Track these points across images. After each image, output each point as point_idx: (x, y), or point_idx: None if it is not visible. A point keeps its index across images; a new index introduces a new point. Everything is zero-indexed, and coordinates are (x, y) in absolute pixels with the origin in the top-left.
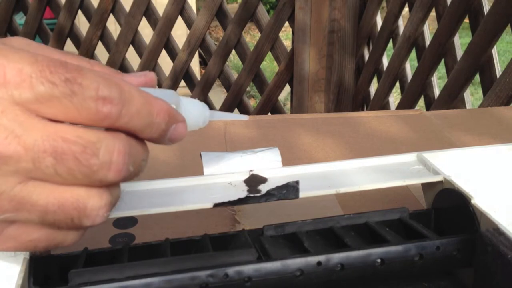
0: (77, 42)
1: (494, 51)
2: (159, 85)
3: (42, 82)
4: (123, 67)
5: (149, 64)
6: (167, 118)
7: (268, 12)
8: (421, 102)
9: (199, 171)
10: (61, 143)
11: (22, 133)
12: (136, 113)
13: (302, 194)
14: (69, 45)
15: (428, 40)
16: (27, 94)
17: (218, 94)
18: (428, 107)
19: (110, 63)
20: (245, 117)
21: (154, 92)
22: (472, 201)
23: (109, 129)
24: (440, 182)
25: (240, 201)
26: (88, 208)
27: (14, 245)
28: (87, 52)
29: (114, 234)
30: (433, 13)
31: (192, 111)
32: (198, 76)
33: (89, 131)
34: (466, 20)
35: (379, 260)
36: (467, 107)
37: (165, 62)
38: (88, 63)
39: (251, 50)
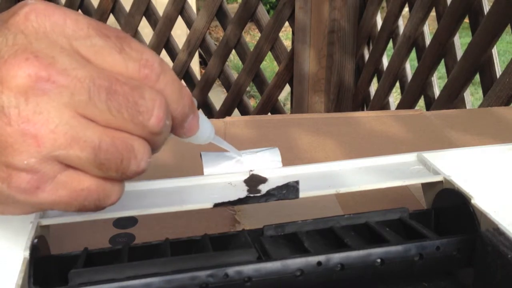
0: None
1: (494, 51)
2: None
3: (98, 33)
4: None
5: None
6: (191, 103)
7: (268, 12)
8: (421, 102)
9: (199, 171)
10: (114, 81)
11: (80, 68)
12: (171, 83)
13: (302, 194)
14: None
15: (428, 40)
16: (83, 41)
17: (218, 94)
18: (428, 107)
19: None
20: (239, 154)
21: None
22: (472, 201)
23: None
24: (440, 182)
25: (240, 201)
26: (135, 149)
27: (66, 194)
28: None
29: (114, 234)
30: (433, 13)
31: (204, 123)
32: (198, 76)
33: (136, 81)
34: (466, 20)
35: (379, 260)
36: (467, 107)
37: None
38: None
39: (251, 50)
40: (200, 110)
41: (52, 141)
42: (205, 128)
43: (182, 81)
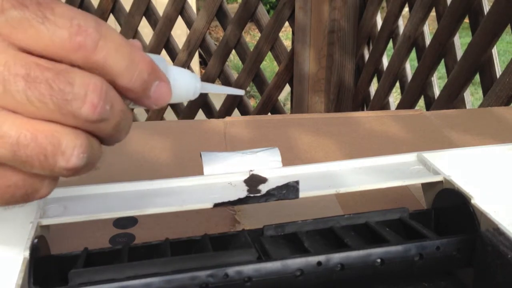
0: None
1: (494, 51)
2: None
3: (14, 5)
4: None
5: None
6: (150, 68)
7: (268, 12)
8: (421, 102)
9: (199, 171)
10: (34, 68)
11: None
12: (114, 50)
13: (302, 194)
14: None
15: (428, 40)
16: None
17: (218, 94)
18: (428, 107)
19: None
20: (241, 92)
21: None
22: (472, 201)
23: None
24: (440, 182)
25: (240, 201)
26: (63, 144)
27: None
28: None
29: (114, 234)
30: (433, 13)
31: (181, 80)
32: (198, 76)
33: (64, 64)
34: (466, 20)
35: (379, 260)
36: (467, 107)
37: None
38: None
39: (251, 50)
40: (177, 67)
41: None
42: (186, 84)
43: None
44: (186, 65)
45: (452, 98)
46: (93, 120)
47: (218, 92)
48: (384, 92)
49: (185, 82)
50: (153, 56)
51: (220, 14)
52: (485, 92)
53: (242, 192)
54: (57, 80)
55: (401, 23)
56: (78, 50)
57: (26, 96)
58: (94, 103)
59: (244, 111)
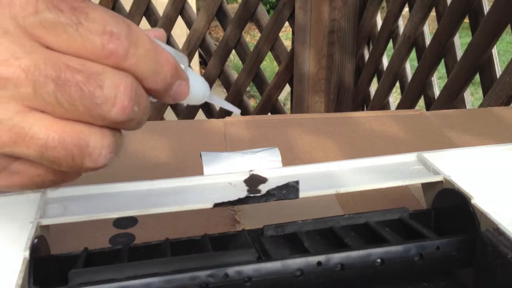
0: None
1: (494, 51)
2: None
3: (48, 7)
4: None
5: None
6: (173, 70)
7: (268, 12)
8: (421, 102)
9: (199, 171)
10: (64, 70)
11: (24, 55)
12: (143, 56)
13: (302, 194)
14: None
15: (428, 40)
16: (32, 18)
17: (218, 94)
18: (428, 107)
19: None
20: (237, 110)
21: (165, 47)
22: (472, 201)
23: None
24: (440, 182)
25: (240, 201)
26: (91, 146)
27: (20, 180)
28: None
29: (114, 234)
30: (433, 13)
31: (196, 83)
32: None
33: (95, 63)
34: (466, 20)
35: (379, 260)
36: (467, 107)
37: None
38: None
39: (251, 50)
40: (191, 69)
41: None
42: (198, 89)
43: None
44: None
45: (452, 98)
46: (121, 121)
47: (219, 104)
48: (384, 92)
49: (199, 87)
50: (176, 54)
51: (220, 14)
52: (485, 92)
53: (242, 192)
54: (88, 83)
55: (401, 23)
56: (109, 57)
57: (56, 98)
58: (124, 105)
59: (244, 111)
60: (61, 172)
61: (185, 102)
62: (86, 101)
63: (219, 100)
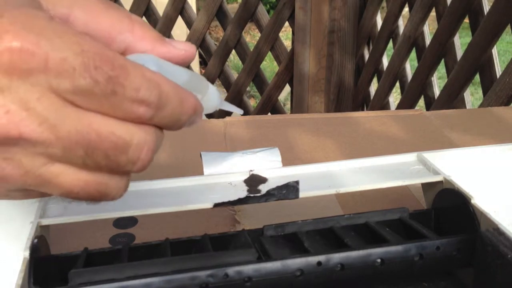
0: None
1: (494, 51)
2: None
3: (85, 77)
4: None
5: None
6: (193, 114)
7: (268, 12)
8: (421, 102)
9: (199, 171)
10: (94, 137)
11: (56, 122)
12: (169, 116)
13: (302, 194)
14: None
15: (428, 40)
16: (67, 85)
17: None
18: (428, 107)
19: None
20: (240, 111)
21: (192, 75)
22: (472, 201)
23: None
24: (440, 182)
25: (240, 201)
26: (109, 189)
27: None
28: None
29: (114, 234)
30: (433, 13)
31: (212, 100)
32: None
33: (123, 127)
34: (466, 20)
35: (379, 260)
36: (467, 107)
37: None
38: (129, 19)
39: (251, 50)
40: (206, 83)
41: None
42: (213, 104)
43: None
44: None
45: (452, 98)
46: (141, 170)
47: (227, 109)
48: (384, 92)
49: (214, 102)
50: (203, 81)
51: (220, 14)
52: (485, 92)
53: (242, 192)
54: (114, 150)
55: (401, 23)
56: (136, 119)
57: (82, 161)
58: (144, 164)
59: (244, 111)
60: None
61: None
62: (111, 164)
63: (228, 105)
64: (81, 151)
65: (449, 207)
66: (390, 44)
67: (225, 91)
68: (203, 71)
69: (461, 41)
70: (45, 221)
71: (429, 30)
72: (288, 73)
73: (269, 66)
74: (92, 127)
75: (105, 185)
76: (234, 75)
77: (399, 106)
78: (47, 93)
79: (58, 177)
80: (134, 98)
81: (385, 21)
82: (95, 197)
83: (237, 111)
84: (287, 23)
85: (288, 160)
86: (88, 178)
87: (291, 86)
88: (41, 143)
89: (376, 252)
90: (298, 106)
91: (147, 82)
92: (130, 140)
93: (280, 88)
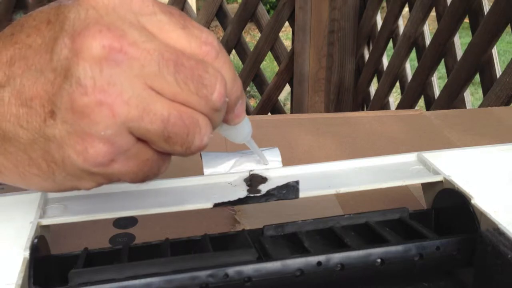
0: None
1: (494, 51)
2: None
3: (162, 10)
4: None
5: None
6: (241, 87)
7: (268, 12)
8: (421, 102)
9: (199, 171)
10: (180, 55)
11: (148, 41)
12: (228, 64)
13: (302, 194)
14: None
15: (428, 40)
16: (149, 17)
17: None
18: (428, 107)
19: None
20: (266, 163)
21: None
22: (472, 201)
23: None
24: (440, 182)
25: (240, 201)
26: (200, 124)
27: (135, 164)
28: None
29: (114, 234)
30: (433, 13)
31: (246, 120)
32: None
33: (199, 57)
34: (466, 20)
35: (379, 260)
36: (467, 107)
37: None
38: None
39: (251, 50)
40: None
41: (126, 113)
42: (247, 125)
43: None
44: None
45: (452, 98)
46: (217, 107)
47: (254, 151)
48: (384, 92)
49: (247, 125)
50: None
51: (220, 14)
52: (485, 92)
53: (242, 192)
54: (197, 67)
55: (401, 23)
56: (205, 56)
57: (174, 78)
58: (222, 92)
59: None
60: (161, 157)
61: (229, 135)
62: (196, 82)
63: (256, 149)
64: (172, 67)
65: (449, 207)
66: (390, 44)
67: None
68: None
69: (461, 41)
70: (45, 221)
71: (429, 30)
72: (288, 73)
73: (269, 66)
74: (176, 48)
75: (196, 117)
76: None
77: (399, 106)
78: (136, 22)
79: (157, 103)
80: (199, 35)
81: (385, 21)
82: (190, 132)
83: (265, 161)
84: (287, 23)
85: (288, 160)
86: (181, 108)
87: (291, 86)
88: (137, 59)
89: (376, 252)
90: (298, 106)
91: (208, 29)
92: (207, 65)
93: (280, 88)
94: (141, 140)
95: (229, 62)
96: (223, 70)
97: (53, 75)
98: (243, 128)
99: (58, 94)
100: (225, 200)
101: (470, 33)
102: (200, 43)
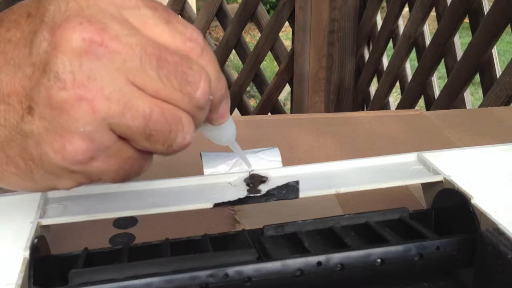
0: None
1: (494, 51)
2: None
3: (146, 4)
4: None
5: None
6: (226, 86)
7: (268, 12)
8: (421, 102)
9: (199, 171)
10: (163, 50)
11: (130, 35)
12: (212, 61)
13: (302, 194)
14: None
15: (428, 40)
16: (132, 11)
17: None
18: (428, 107)
19: None
20: (249, 166)
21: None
22: (472, 201)
23: None
24: (440, 182)
25: (240, 201)
26: (183, 122)
27: (116, 162)
28: None
29: (114, 234)
30: (433, 13)
31: (230, 122)
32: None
33: (183, 53)
34: (466, 20)
35: (379, 260)
36: (467, 107)
37: None
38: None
39: (251, 50)
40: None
41: (106, 109)
42: (231, 127)
43: None
44: None
45: (452, 98)
46: (201, 104)
47: (237, 154)
48: (384, 92)
49: (231, 127)
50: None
51: (220, 14)
52: (485, 92)
53: (242, 192)
54: (181, 63)
55: (401, 23)
56: (189, 52)
57: (157, 73)
58: (205, 90)
59: (244, 111)
60: (145, 158)
61: (213, 137)
62: (180, 78)
63: (240, 151)
64: (155, 62)
65: (449, 207)
66: (390, 44)
67: None
68: None
69: (461, 41)
70: (45, 221)
71: (429, 30)
72: (288, 73)
73: (269, 66)
74: (159, 43)
75: (178, 114)
76: (234, 75)
77: (399, 106)
78: (119, 15)
79: (138, 99)
80: (184, 31)
81: (385, 21)
82: (172, 130)
83: (248, 164)
84: (287, 23)
85: (288, 160)
86: (163, 105)
87: (291, 86)
88: (119, 53)
89: (376, 252)
90: (298, 106)
91: (192, 25)
92: (191, 62)
93: (280, 88)
94: (122, 138)
95: (214, 60)
96: (208, 68)
97: (31, 70)
98: (227, 129)
99: (35, 89)
100: (225, 200)
101: (470, 33)
102: (185, 39)
